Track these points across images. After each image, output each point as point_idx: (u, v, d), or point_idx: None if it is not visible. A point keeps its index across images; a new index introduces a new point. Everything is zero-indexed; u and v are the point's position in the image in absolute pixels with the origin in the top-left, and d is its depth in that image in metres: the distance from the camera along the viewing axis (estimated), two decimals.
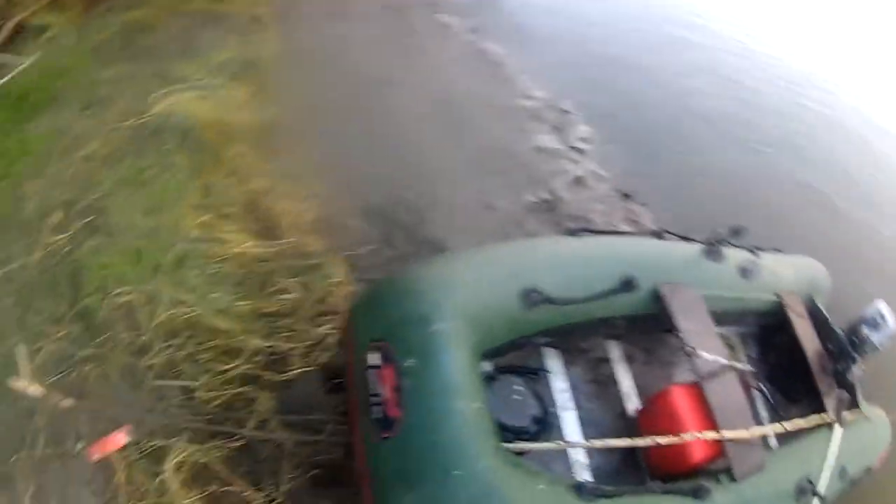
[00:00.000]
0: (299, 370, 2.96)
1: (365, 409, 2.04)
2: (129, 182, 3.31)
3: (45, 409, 2.76)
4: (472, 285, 2.16)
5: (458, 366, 1.95)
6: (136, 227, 3.14)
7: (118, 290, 3.02)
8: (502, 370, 2.29)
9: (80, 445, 2.73)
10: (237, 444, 2.72)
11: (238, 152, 3.38)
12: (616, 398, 2.48)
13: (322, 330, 3.08)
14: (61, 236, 3.25)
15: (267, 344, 2.99)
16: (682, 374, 2.53)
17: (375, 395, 2.01)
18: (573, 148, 4.79)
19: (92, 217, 3.26)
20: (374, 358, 2.06)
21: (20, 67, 4.01)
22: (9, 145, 3.77)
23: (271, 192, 3.30)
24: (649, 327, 2.44)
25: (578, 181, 4.58)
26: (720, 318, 2.52)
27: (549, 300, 2.17)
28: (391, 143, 3.93)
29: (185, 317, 2.95)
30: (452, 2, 5.38)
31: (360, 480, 2.07)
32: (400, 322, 2.09)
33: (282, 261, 3.17)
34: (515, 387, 2.24)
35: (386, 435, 1.93)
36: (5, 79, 3.96)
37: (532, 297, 2.16)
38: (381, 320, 2.17)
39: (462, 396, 1.90)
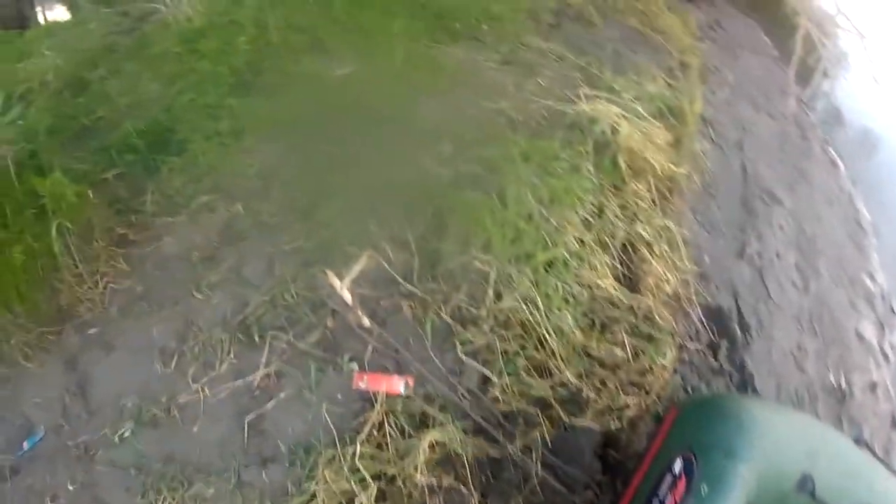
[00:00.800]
0: (586, 423, 2.85)
1: (641, 502, 2.19)
2: (532, 159, 3.32)
3: (341, 315, 2.81)
4: (777, 444, 2.23)
5: None
6: (524, 207, 3.14)
7: (479, 255, 3.01)
8: None
9: (350, 365, 2.76)
10: (493, 452, 2.68)
11: (639, 190, 3.30)
12: None
13: (626, 399, 2.96)
14: (441, 168, 3.31)
15: (575, 382, 2.91)
16: None
17: (659, 498, 2.13)
18: (883, 351, 4.45)
19: (481, 170, 3.31)
20: (678, 465, 2.16)
21: None
22: (421, 56, 3.93)
23: (650, 245, 3.20)
24: None
25: (872, 387, 4.28)
26: None
27: (813, 495, 2.17)
28: (753, 253, 3.76)
29: (526, 317, 2.90)
30: (846, 144, 5.04)
31: None
32: (714, 445, 2.19)
33: (628, 315, 3.08)
34: None
35: None
36: None
37: (806, 486, 2.18)
38: (702, 434, 2.28)
39: None
